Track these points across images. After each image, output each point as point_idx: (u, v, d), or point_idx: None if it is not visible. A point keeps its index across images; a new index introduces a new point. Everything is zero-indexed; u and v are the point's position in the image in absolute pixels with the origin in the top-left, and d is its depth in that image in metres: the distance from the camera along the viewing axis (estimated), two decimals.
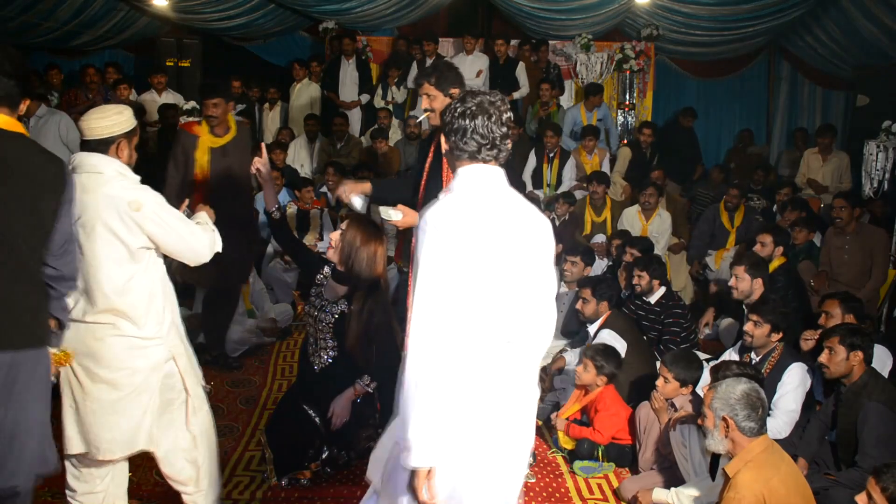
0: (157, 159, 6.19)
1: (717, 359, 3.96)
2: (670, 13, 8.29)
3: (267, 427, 3.33)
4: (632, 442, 3.54)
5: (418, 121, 3.38)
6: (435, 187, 3.37)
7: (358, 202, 3.31)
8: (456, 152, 1.95)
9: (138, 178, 2.53)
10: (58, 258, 2.22)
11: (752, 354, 3.59)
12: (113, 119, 2.49)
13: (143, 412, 2.55)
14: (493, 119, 1.92)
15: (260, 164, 3.31)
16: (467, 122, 1.91)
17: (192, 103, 7.70)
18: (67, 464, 2.64)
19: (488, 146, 1.92)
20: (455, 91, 3.29)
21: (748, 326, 3.56)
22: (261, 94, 8.36)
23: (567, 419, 3.66)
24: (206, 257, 2.66)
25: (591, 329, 4.22)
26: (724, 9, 8.05)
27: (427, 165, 3.44)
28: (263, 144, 3.28)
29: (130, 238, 2.44)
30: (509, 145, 1.97)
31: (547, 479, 3.42)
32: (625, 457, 3.55)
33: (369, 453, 3.35)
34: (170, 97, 7.68)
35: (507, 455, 1.91)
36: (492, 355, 1.85)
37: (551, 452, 3.69)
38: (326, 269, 3.46)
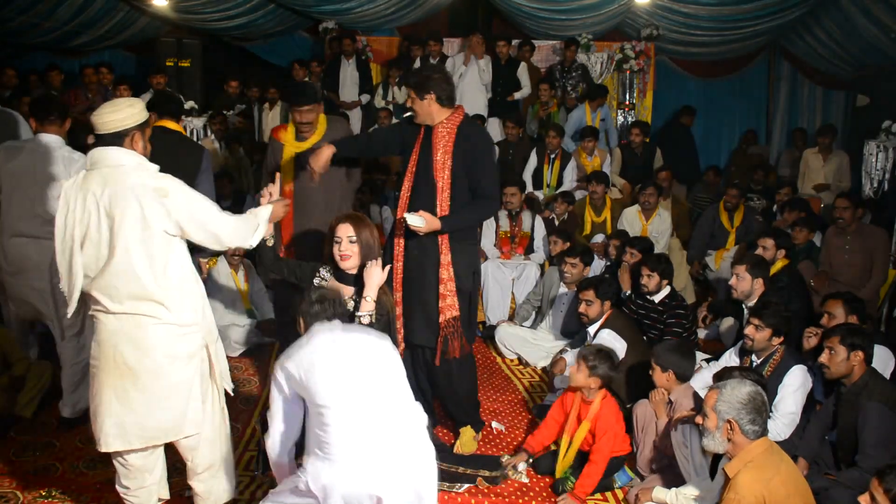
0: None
1: (716, 359, 3.96)
2: (670, 13, 8.29)
3: (261, 418, 3.30)
4: (629, 451, 3.48)
5: (403, 117, 3.53)
6: (424, 182, 3.46)
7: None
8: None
9: (157, 167, 2.56)
10: None
11: (753, 357, 3.58)
12: (125, 112, 2.51)
13: (187, 399, 2.58)
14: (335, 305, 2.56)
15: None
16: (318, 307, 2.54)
17: (191, 103, 7.70)
18: (117, 463, 2.66)
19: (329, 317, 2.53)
20: (430, 97, 3.37)
21: (749, 330, 3.54)
22: (260, 94, 8.36)
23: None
24: (229, 245, 2.69)
25: (591, 329, 4.21)
26: (724, 9, 8.05)
27: (414, 161, 3.52)
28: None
29: (161, 225, 2.45)
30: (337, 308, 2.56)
31: (547, 479, 3.42)
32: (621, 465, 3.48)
33: None
34: None
35: None
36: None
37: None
38: (325, 273, 3.41)
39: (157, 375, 2.51)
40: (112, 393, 2.51)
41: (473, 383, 3.77)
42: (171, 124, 3.81)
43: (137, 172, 2.47)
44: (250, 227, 2.73)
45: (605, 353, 3.47)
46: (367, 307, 3.04)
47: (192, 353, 2.58)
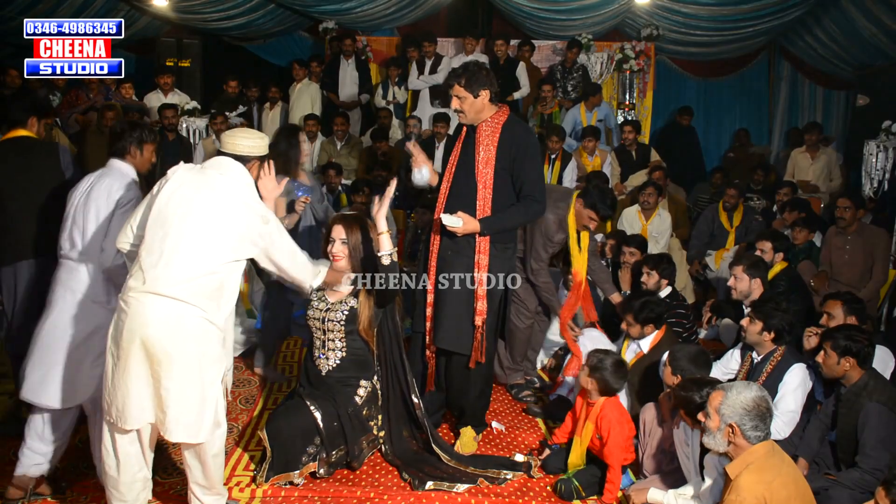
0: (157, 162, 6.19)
1: (718, 358, 3.96)
2: (670, 13, 8.30)
3: (267, 424, 3.31)
4: (632, 460, 3.44)
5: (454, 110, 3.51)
6: (464, 182, 3.41)
7: (425, 173, 3.51)
8: None
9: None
10: None
11: (754, 354, 3.60)
12: (255, 142, 2.80)
13: (205, 402, 2.60)
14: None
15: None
16: None
17: (194, 103, 7.70)
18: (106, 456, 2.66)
19: None
20: (484, 92, 3.33)
21: (744, 321, 3.59)
22: (260, 94, 8.36)
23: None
24: (304, 284, 2.95)
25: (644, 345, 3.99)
26: (724, 9, 8.06)
27: (454, 160, 3.48)
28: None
29: (248, 244, 2.68)
30: None
31: (547, 479, 3.42)
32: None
33: (366, 457, 3.39)
34: (175, 98, 7.67)
35: None
36: None
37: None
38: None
39: (189, 368, 2.54)
40: (137, 375, 2.51)
41: (487, 386, 3.77)
42: (21, 132, 3.54)
43: (250, 193, 2.72)
44: (314, 272, 3.01)
45: (614, 361, 3.36)
46: (386, 245, 3.18)
47: (219, 356, 2.66)
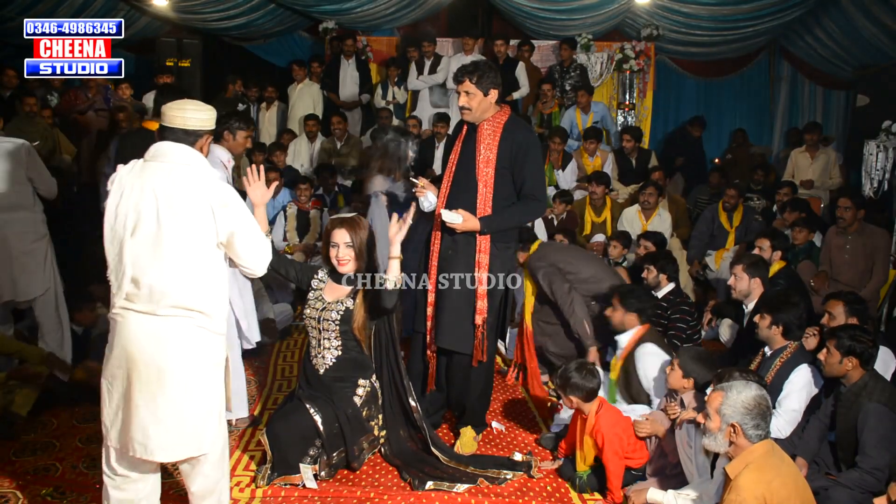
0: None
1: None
2: (670, 13, 8.30)
3: (267, 428, 3.31)
4: (647, 459, 3.40)
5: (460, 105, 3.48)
6: (464, 181, 3.41)
7: (431, 198, 3.51)
8: None
9: (219, 173, 2.52)
10: None
11: (766, 349, 3.61)
12: (207, 114, 2.51)
13: (208, 413, 2.46)
14: None
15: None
16: None
17: None
18: (106, 471, 2.53)
19: None
20: (494, 91, 3.32)
21: (757, 317, 3.59)
22: (259, 94, 8.36)
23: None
24: (262, 271, 2.60)
25: (623, 339, 3.97)
26: (724, 9, 8.05)
27: (454, 159, 3.47)
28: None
29: (214, 233, 2.40)
30: None
31: (547, 479, 3.42)
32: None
33: (366, 457, 3.39)
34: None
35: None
36: None
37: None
38: (321, 273, 3.43)
39: (187, 383, 2.39)
40: (139, 399, 2.36)
41: (488, 386, 3.77)
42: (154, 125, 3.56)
43: (203, 175, 2.41)
44: (266, 261, 2.65)
45: (577, 365, 3.32)
46: (394, 271, 3.11)
47: (218, 362, 2.49)
